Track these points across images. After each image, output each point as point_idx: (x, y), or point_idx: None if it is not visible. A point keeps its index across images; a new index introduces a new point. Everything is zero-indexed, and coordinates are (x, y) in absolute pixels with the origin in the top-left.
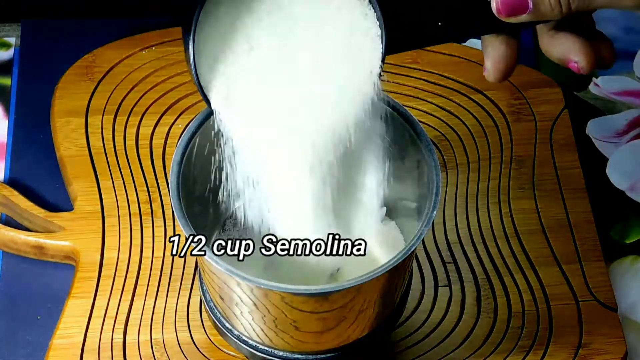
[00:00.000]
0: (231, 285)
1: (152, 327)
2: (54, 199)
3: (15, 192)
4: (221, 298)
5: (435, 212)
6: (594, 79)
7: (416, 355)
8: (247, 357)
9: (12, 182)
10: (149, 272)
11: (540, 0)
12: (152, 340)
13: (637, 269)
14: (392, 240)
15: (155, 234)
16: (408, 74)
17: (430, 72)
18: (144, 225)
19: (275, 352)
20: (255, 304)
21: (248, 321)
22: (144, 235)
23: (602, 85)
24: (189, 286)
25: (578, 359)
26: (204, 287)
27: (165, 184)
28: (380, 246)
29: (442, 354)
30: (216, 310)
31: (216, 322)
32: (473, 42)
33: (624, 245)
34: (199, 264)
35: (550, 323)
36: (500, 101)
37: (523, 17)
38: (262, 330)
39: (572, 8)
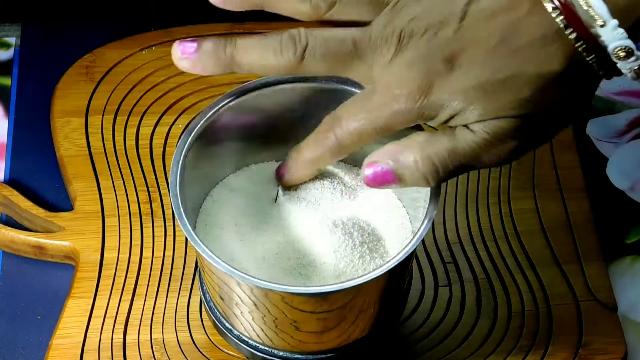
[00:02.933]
0: (231, 285)
1: (152, 327)
2: (54, 199)
3: (15, 192)
4: (221, 298)
5: (435, 212)
6: None
7: (416, 356)
8: (247, 357)
9: (12, 182)
10: (149, 272)
11: (404, 175)
12: (152, 340)
13: (637, 269)
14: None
15: (155, 234)
16: None
17: None
18: (144, 225)
19: (275, 352)
20: (255, 304)
21: (248, 321)
22: (144, 235)
23: (602, 85)
24: (189, 286)
25: (578, 359)
26: (204, 287)
27: (165, 184)
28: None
29: (442, 354)
30: (216, 310)
31: (216, 322)
32: None
33: (624, 245)
34: (199, 264)
35: (550, 323)
36: None
37: (393, 186)
38: (262, 330)
39: (433, 182)
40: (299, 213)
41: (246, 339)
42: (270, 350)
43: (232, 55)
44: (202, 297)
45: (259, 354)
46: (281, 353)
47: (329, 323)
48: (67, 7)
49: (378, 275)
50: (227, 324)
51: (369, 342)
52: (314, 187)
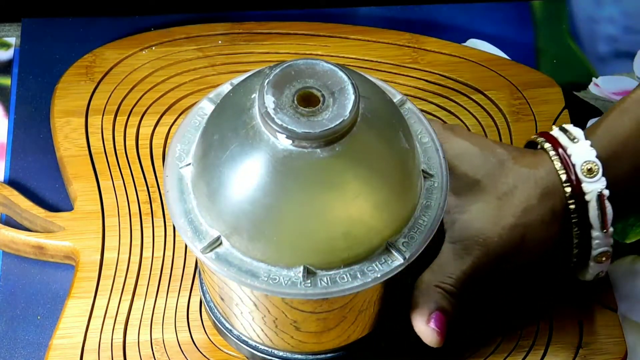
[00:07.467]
0: (231, 286)
1: (152, 327)
2: (54, 199)
3: (15, 192)
4: (221, 298)
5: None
6: (593, 79)
7: (416, 355)
8: (247, 358)
9: (12, 182)
10: (149, 272)
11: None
12: (152, 340)
13: (637, 269)
14: None
15: (155, 234)
16: (408, 74)
17: (430, 72)
18: (144, 225)
19: (276, 352)
20: (255, 305)
21: (248, 321)
22: (144, 235)
23: (602, 85)
24: (189, 286)
25: (578, 359)
26: (204, 287)
27: None
28: None
29: (441, 354)
30: (216, 311)
31: (216, 322)
32: (473, 43)
33: (624, 245)
34: (199, 265)
35: (550, 323)
36: (500, 101)
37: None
38: (262, 330)
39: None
40: None
41: (246, 339)
42: (270, 350)
43: None
44: (202, 297)
45: (258, 354)
46: (281, 353)
47: (329, 323)
48: (67, 6)
49: (378, 282)
50: (227, 324)
51: (369, 342)
52: None
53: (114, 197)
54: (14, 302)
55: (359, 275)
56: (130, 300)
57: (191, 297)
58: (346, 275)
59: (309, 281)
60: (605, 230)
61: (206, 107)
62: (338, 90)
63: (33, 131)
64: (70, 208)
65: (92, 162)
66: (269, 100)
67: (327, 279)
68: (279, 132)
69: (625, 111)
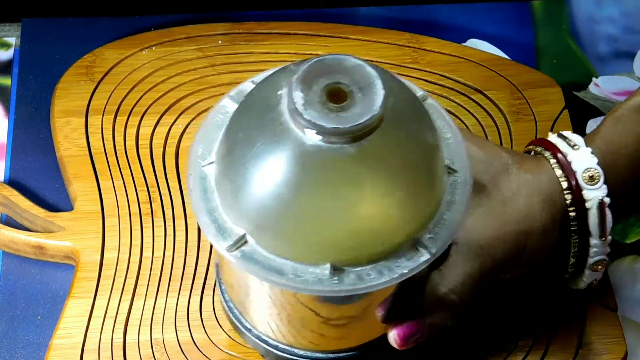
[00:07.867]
0: (256, 285)
1: (152, 327)
2: (54, 199)
3: (15, 192)
4: (243, 297)
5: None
6: (593, 79)
7: (416, 356)
8: (263, 356)
9: (12, 182)
10: (149, 272)
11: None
12: (152, 340)
13: (637, 269)
14: None
15: (155, 234)
16: (408, 74)
17: (430, 72)
18: (144, 225)
19: (296, 351)
20: (280, 303)
21: (269, 320)
22: (144, 235)
23: (602, 85)
24: (189, 286)
25: (578, 359)
26: (222, 287)
27: (165, 184)
28: None
29: (442, 354)
30: (235, 310)
31: (235, 321)
32: (473, 43)
33: (624, 245)
34: (217, 263)
35: (550, 323)
36: (500, 101)
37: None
38: (285, 329)
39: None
40: None
41: (266, 339)
42: (290, 349)
43: None
44: (221, 296)
45: (279, 353)
46: (302, 352)
47: (354, 321)
48: (67, 6)
49: (404, 279)
50: (246, 324)
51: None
52: None
53: (114, 197)
54: (14, 302)
55: (385, 272)
56: (130, 300)
57: (191, 297)
58: (373, 272)
59: (336, 278)
60: (604, 239)
61: (228, 105)
62: (366, 85)
63: (33, 131)
64: (70, 208)
65: (92, 162)
66: (298, 96)
67: (354, 275)
68: (308, 127)
69: (620, 119)
